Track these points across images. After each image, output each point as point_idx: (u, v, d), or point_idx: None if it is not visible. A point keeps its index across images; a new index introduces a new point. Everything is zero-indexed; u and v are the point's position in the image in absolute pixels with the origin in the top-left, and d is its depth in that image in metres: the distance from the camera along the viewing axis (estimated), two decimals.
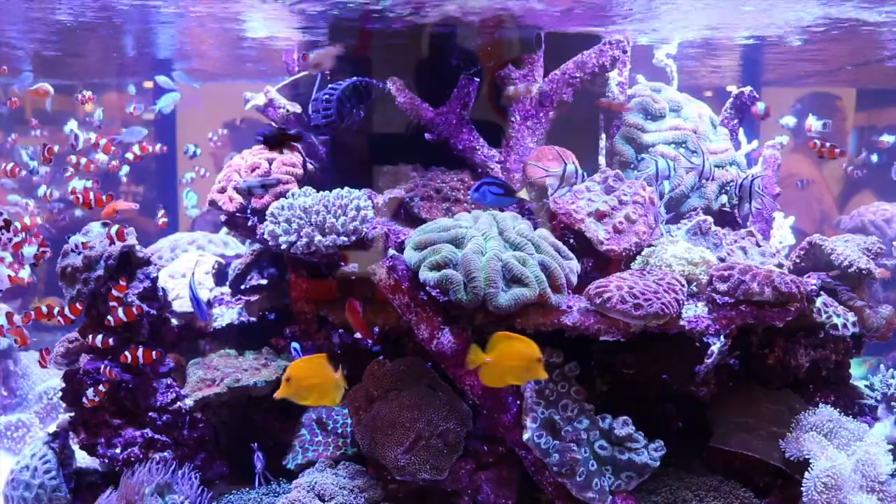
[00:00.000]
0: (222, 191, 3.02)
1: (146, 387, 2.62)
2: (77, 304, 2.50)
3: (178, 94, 3.96)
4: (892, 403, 2.75)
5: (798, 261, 2.87)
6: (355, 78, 2.95)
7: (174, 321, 2.97)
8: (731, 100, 3.39)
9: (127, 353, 2.48)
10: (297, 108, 3.19)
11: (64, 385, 2.64)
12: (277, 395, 2.13)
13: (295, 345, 2.75)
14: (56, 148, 2.83)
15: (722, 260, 2.74)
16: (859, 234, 3.45)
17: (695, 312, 2.42)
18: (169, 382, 2.67)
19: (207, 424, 2.70)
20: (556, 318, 2.36)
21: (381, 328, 2.83)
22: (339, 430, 2.72)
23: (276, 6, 3.03)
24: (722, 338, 2.52)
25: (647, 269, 2.57)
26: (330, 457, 2.62)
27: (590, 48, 3.03)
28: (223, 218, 3.10)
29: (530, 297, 2.30)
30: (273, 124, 3.14)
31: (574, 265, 2.52)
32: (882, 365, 3.69)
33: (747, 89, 3.35)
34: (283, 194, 2.88)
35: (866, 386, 2.86)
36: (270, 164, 3.03)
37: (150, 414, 2.60)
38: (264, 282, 3.21)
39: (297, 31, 3.58)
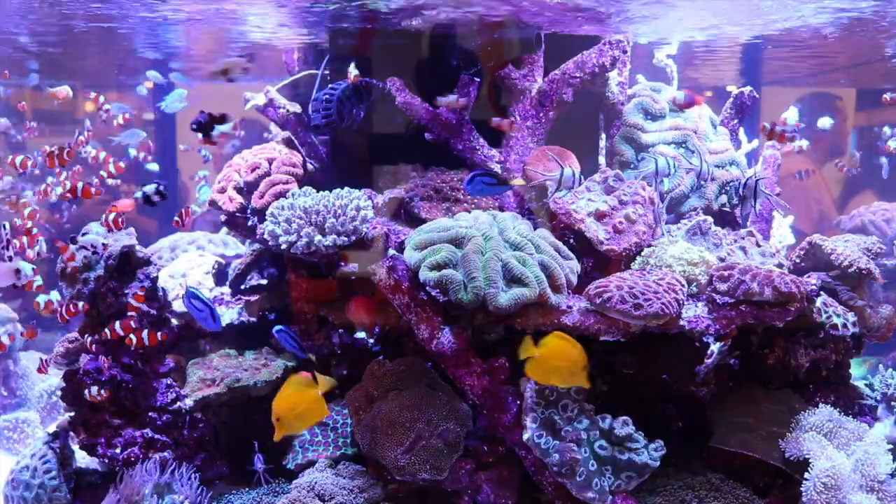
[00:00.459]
0: (222, 191, 3.02)
1: (146, 387, 2.62)
2: (77, 303, 2.50)
3: (184, 91, 3.93)
4: (892, 403, 2.75)
5: (798, 261, 2.88)
6: None
7: (174, 321, 2.97)
8: (731, 100, 3.39)
9: (132, 336, 2.47)
10: (297, 108, 3.19)
11: (64, 385, 2.64)
12: (276, 438, 2.19)
13: (278, 328, 2.62)
14: (58, 149, 2.81)
15: (722, 260, 2.74)
16: (859, 234, 3.46)
17: (695, 312, 2.42)
18: (169, 382, 2.67)
19: (207, 424, 2.70)
20: (556, 318, 2.36)
21: (381, 328, 2.83)
22: (339, 430, 2.72)
23: (277, 5, 3.03)
24: (714, 343, 2.52)
25: (647, 270, 2.57)
26: (330, 457, 2.62)
27: (590, 48, 3.03)
28: (223, 218, 3.10)
29: (530, 297, 2.31)
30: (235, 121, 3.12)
31: (574, 265, 2.52)
32: (882, 365, 3.69)
33: (747, 89, 3.35)
34: (283, 194, 2.88)
35: (866, 386, 2.86)
36: (270, 163, 3.03)
37: (150, 414, 2.60)
38: (264, 282, 3.21)
39: (297, 31, 3.58)
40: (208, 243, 3.73)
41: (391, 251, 2.70)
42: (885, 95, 3.86)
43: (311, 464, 2.61)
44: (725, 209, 3.17)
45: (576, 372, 2.16)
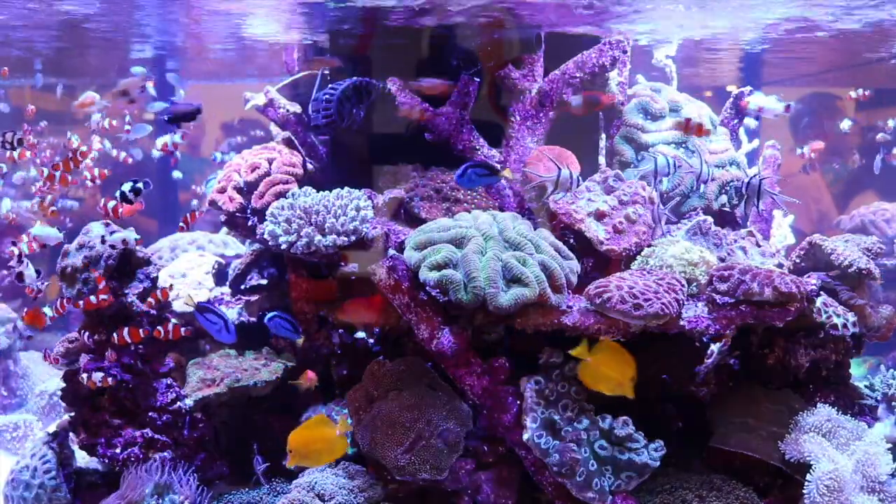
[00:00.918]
0: (222, 191, 3.02)
1: (146, 387, 2.62)
2: (67, 300, 2.50)
3: (150, 128, 3.84)
4: (893, 403, 2.75)
5: (798, 261, 2.87)
6: (355, 78, 2.95)
7: (174, 321, 2.96)
8: (731, 100, 3.39)
9: (114, 334, 2.48)
10: (297, 108, 3.19)
11: (64, 385, 2.64)
12: (289, 465, 2.26)
13: (270, 316, 2.58)
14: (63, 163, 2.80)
15: (722, 260, 2.74)
16: (859, 233, 3.45)
17: (695, 312, 2.42)
18: (169, 382, 2.67)
19: (207, 424, 2.70)
20: (556, 318, 2.36)
21: (381, 328, 2.83)
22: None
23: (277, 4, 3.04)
24: (714, 345, 2.52)
25: (647, 270, 2.57)
26: None
27: (590, 48, 3.03)
28: (223, 218, 3.10)
29: (530, 297, 2.30)
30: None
31: (574, 265, 2.52)
32: (882, 365, 3.69)
33: (747, 89, 3.35)
34: (283, 194, 2.88)
35: (866, 386, 2.85)
36: (270, 163, 3.03)
37: (150, 414, 2.60)
38: (264, 282, 3.21)
39: (297, 31, 3.58)
40: (208, 243, 3.73)
41: (391, 251, 2.70)
42: (850, 93, 3.82)
43: None
44: (725, 209, 3.17)
45: (623, 383, 2.24)
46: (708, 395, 2.59)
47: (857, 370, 3.69)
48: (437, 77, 2.97)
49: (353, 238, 2.70)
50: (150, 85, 3.18)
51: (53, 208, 2.71)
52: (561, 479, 2.32)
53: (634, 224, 2.74)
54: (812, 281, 2.60)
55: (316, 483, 2.44)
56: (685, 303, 2.40)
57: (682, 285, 2.42)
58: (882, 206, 4.50)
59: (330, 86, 2.94)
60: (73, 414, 2.64)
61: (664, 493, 2.41)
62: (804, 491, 2.24)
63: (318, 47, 3.59)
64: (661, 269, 2.56)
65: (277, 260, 3.17)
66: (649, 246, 2.72)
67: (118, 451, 2.54)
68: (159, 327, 2.52)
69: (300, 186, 2.91)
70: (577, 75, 3.01)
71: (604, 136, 3.37)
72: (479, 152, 2.99)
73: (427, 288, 2.44)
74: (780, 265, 2.82)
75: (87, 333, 2.58)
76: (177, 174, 5.40)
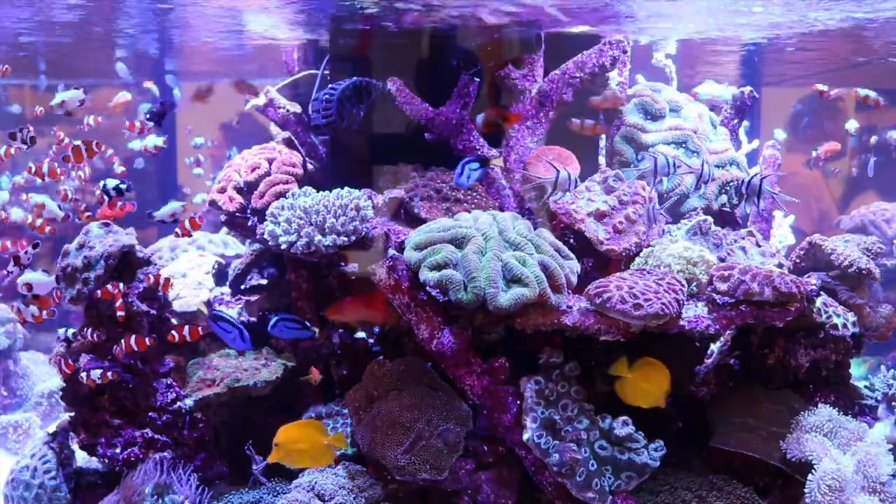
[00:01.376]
0: (222, 191, 3.02)
1: (146, 387, 2.62)
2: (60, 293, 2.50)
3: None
4: (893, 403, 2.74)
5: (798, 261, 2.87)
6: (355, 78, 2.95)
7: (174, 321, 2.96)
8: (730, 100, 3.39)
9: (121, 340, 2.48)
10: (297, 108, 3.19)
11: (64, 385, 2.64)
12: (270, 459, 2.23)
13: (273, 323, 2.55)
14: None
15: (722, 260, 2.74)
16: (859, 233, 3.45)
17: (695, 312, 2.42)
18: (169, 382, 2.67)
19: (207, 424, 2.70)
20: (556, 318, 2.36)
21: (381, 328, 2.83)
22: (339, 430, 2.72)
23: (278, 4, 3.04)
24: (713, 345, 2.52)
25: (647, 270, 2.57)
26: None
27: (590, 48, 3.03)
28: (223, 218, 3.10)
29: (530, 297, 2.30)
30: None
31: (574, 265, 2.52)
32: (882, 365, 3.68)
33: (747, 89, 3.35)
34: (283, 194, 2.88)
35: (866, 386, 2.85)
36: (270, 163, 3.03)
37: (150, 414, 2.60)
38: (264, 282, 3.21)
39: (297, 31, 3.58)
40: (208, 243, 3.72)
41: (391, 251, 2.70)
42: (860, 90, 3.79)
43: None
44: (725, 209, 3.17)
45: (659, 395, 2.29)
46: (708, 395, 2.58)
47: (857, 370, 3.68)
48: (437, 77, 2.97)
49: (353, 238, 2.70)
50: (151, 85, 3.20)
51: (88, 213, 2.71)
52: (561, 479, 2.32)
53: (634, 224, 2.74)
54: (812, 281, 2.60)
55: (316, 483, 2.44)
56: (685, 303, 2.40)
57: (682, 285, 2.42)
58: (882, 206, 4.49)
59: (330, 86, 2.94)
60: (73, 414, 2.64)
61: (664, 493, 2.41)
62: (805, 491, 2.24)
63: (319, 47, 3.59)
64: (660, 269, 2.56)
65: (277, 260, 3.17)
66: (649, 246, 2.72)
67: (118, 451, 2.54)
68: (173, 332, 2.51)
69: (300, 186, 2.91)
70: (578, 75, 3.01)
71: (604, 136, 3.37)
72: (479, 152, 2.99)
73: (427, 288, 2.44)
74: (780, 265, 2.82)
75: (90, 329, 2.58)
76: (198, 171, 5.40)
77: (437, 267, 2.35)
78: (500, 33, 3.23)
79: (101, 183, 2.59)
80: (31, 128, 2.52)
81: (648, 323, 2.29)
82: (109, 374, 2.46)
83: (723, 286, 2.40)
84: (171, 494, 2.45)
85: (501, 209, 2.92)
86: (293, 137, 3.25)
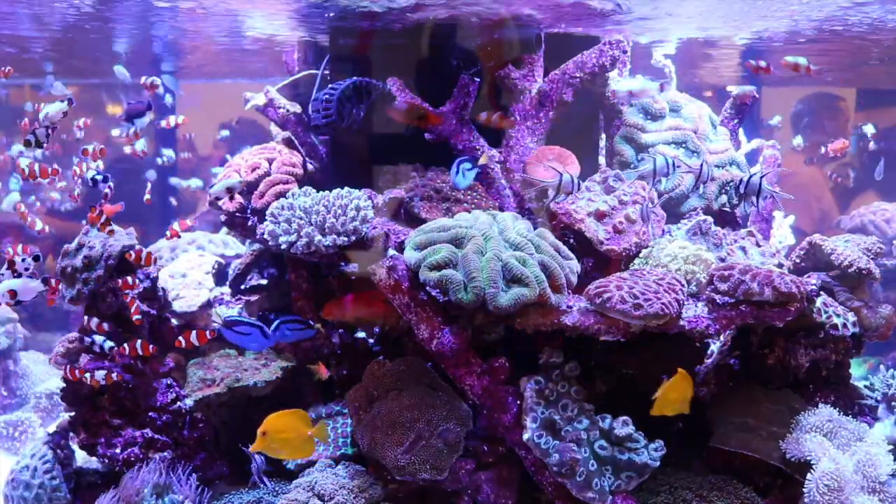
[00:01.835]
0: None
1: (146, 387, 2.62)
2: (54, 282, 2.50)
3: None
4: (893, 403, 2.75)
5: (798, 261, 2.87)
6: (355, 78, 2.95)
7: (174, 321, 2.97)
8: (730, 100, 3.39)
9: (125, 345, 2.48)
10: (297, 108, 3.19)
11: (64, 385, 2.64)
12: (253, 448, 2.21)
13: (276, 326, 2.53)
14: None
15: (722, 260, 2.74)
16: (859, 233, 3.45)
17: (695, 312, 2.42)
18: (169, 382, 2.67)
19: (207, 424, 2.70)
20: (556, 318, 2.36)
21: (381, 328, 2.83)
22: (339, 430, 2.72)
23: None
24: (713, 344, 2.52)
25: (646, 269, 2.57)
26: (330, 457, 2.62)
27: (590, 48, 3.03)
28: (223, 218, 3.10)
29: (530, 297, 2.30)
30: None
31: (574, 265, 2.52)
32: (882, 365, 3.69)
33: (749, 89, 3.35)
34: (283, 194, 2.88)
35: (866, 386, 2.85)
36: (270, 164, 3.03)
37: (150, 414, 2.60)
38: (264, 282, 3.21)
39: (297, 30, 3.58)
40: (208, 243, 3.72)
41: (391, 251, 2.70)
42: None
43: (312, 464, 2.61)
44: (725, 209, 3.17)
45: (683, 402, 2.31)
46: (708, 395, 2.59)
47: (857, 370, 3.68)
48: (437, 77, 2.97)
49: (353, 238, 2.70)
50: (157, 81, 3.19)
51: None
52: (561, 479, 2.32)
53: (634, 224, 2.74)
54: (812, 281, 2.60)
55: (316, 483, 2.45)
56: (685, 303, 2.40)
57: (682, 285, 2.42)
58: (882, 206, 4.50)
59: (330, 86, 2.94)
60: (73, 414, 2.64)
61: (664, 492, 2.41)
62: (804, 490, 2.24)
63: (319, 47, 3.59)
64: (660, 269, 2.56)
65: (277, 260, 3.17)
66: (648, 246, 2.72)
67: (118, 451, 2.54)
68: (180, 337, 2.50)
69: (300, 186, 2.91)
70: (577, 75, 3.01)
71: (604, 136, 3.37)
72: (479, 152, 2.99)
73: (427, 288, 2.44)
74: (780, 265, 2.82)
75: (92, 318, 2.57)
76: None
77: (438, 267, 2.35)
78: (500, 33, 3.22)
79: (90, 174, 2.60)
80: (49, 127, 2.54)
81: (648, 323, 2.29)
82: (114, 375, 2.46)
83: (723, 286, 2.40)
84: (171, 494, 2.45)
85: (501, 209, 2.92)
86: (293, 137, 3.25)
